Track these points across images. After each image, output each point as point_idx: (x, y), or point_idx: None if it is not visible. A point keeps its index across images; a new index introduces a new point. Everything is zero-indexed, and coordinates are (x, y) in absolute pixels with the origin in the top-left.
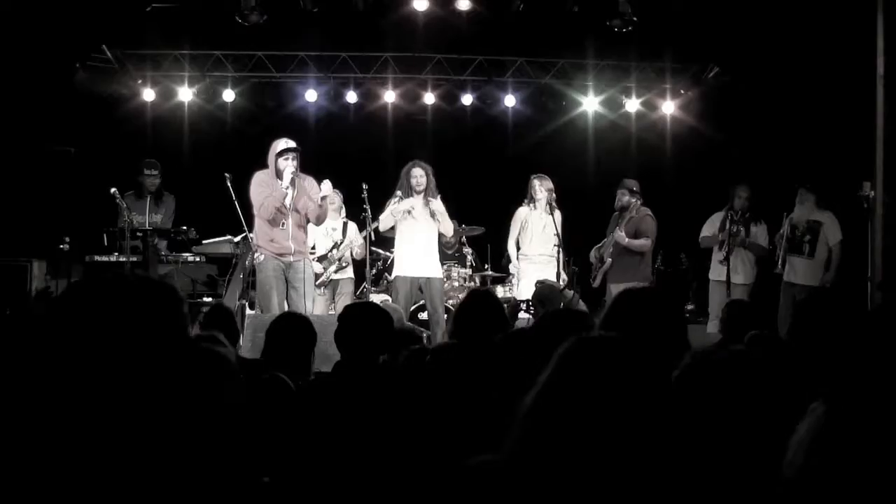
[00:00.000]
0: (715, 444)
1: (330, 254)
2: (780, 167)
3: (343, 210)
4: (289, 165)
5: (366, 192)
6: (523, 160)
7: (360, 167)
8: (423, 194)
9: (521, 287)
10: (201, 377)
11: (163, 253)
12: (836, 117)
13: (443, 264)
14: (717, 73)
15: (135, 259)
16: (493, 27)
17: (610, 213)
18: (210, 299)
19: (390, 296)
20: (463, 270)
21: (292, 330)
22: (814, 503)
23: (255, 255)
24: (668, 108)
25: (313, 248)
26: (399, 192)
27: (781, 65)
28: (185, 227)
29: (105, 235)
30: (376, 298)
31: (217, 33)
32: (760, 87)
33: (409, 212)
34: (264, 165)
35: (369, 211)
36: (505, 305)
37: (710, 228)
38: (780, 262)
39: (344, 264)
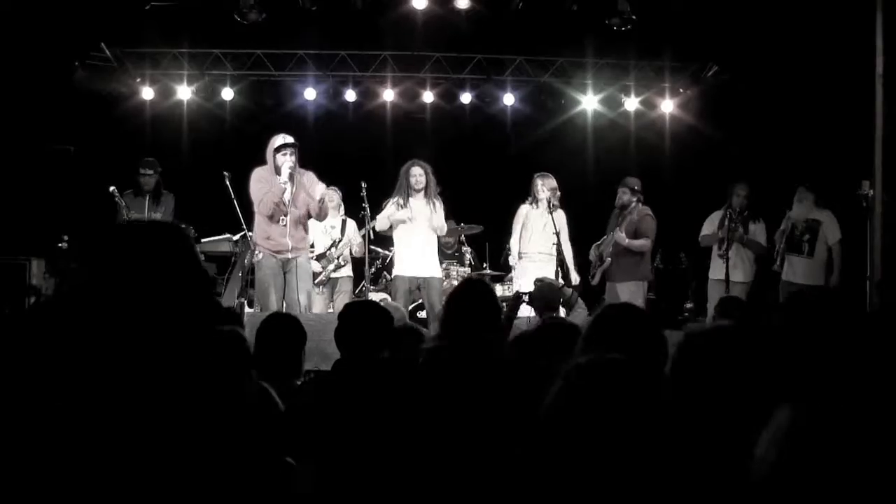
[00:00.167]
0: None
1: (328, 252)
2: (780, 166)
3: (342, 207)
4: (287, 161)
5: (365, 191)
6: (522, 159)
7: (359, 166)
8: (422, 193)
9: (520, 285)
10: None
11: None
12: (835, 116)
13: (441, 263)
14: (716, 72)
15: None
16: (492, 25)
17: (609, 211)
18: None
19: (389, 294)
20: (462, 269)
21: (282, 330)
22: None
23: (255, 253)
24: (667, 106)
25: (312, 246)
26: (398, 197)
27: (781, 63)
28: (184, 226)
29: None
30: (375, 297)
31: (216, 32)
32: (760, 86)
33: (409, 220)
34: (263, 163)
35: (368, 209)
36: (503, 305)
37: (709, 227)
38: (778, 261)
39: (342, 263)
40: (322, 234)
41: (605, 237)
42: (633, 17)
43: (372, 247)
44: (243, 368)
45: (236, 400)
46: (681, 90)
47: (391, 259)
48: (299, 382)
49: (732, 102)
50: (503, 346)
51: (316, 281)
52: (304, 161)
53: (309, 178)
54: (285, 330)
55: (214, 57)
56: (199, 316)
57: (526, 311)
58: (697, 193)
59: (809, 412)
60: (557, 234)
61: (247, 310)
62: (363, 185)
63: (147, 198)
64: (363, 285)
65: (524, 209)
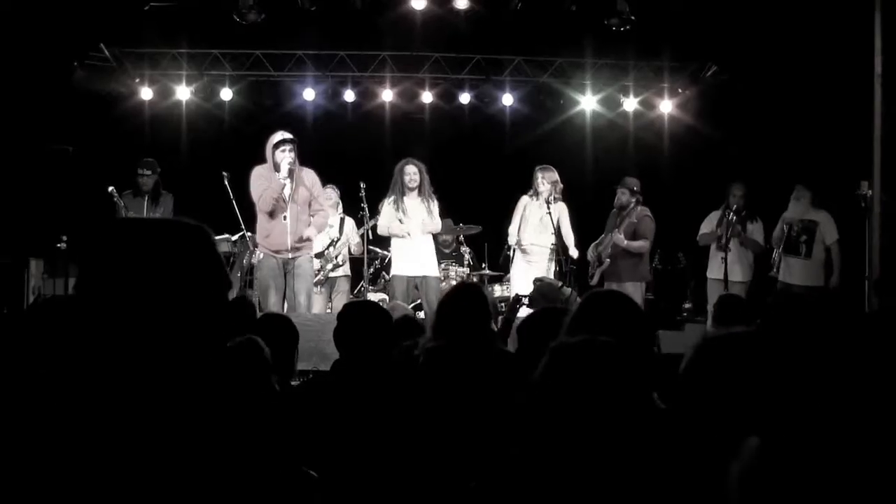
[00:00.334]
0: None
1: (326, 251)
2: (779, 166)
3: (340, 206)
4: (286, 157)
5: (364, 191)
6: (521, 159)
7: (358, 166)
8: (416, 192)
9: (515, 285)
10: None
11: None
12: (834, 116)
13: (440, 263)
14: (714, 72)
15: None
16: (491, 26)
17: (608, 211)
18: None
19: (388, 294)
20: (461, 269)
21: (274, 330)
22: None
23: (257, 252)
24: (666, 106)
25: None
26: (393, 196)
27: (779, 63)
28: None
29: None
30: (374, 297)
31: (215, 32)
32: (758, 86)
33: (408, 235)
34: (262, 162)
35: (367, 210)
36: (502, 305)
37: (708, 226)
38: (775, 267)
39: (340, 262)
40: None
41: (604, 237)
42: (632, 17)
43: (371, 247)
44: (263, 377)
45: (255, 410)
46: (679, 90)
47: (389, 259)
48: (294, 383)
49: (731, 102)
50: (496, 347)
51: (314, 280)
52: (303, 161)
53: (308, 173)
54: (277, 330)
55: (213, 57)
56: (220, 325)
57: (525, 313)
58: (696, 193)
59: (775, 450)
60: (557, 230)
61: None
62: (362, 185)
63: (146, 198)
64: (362, 285)
65: (524, 200)
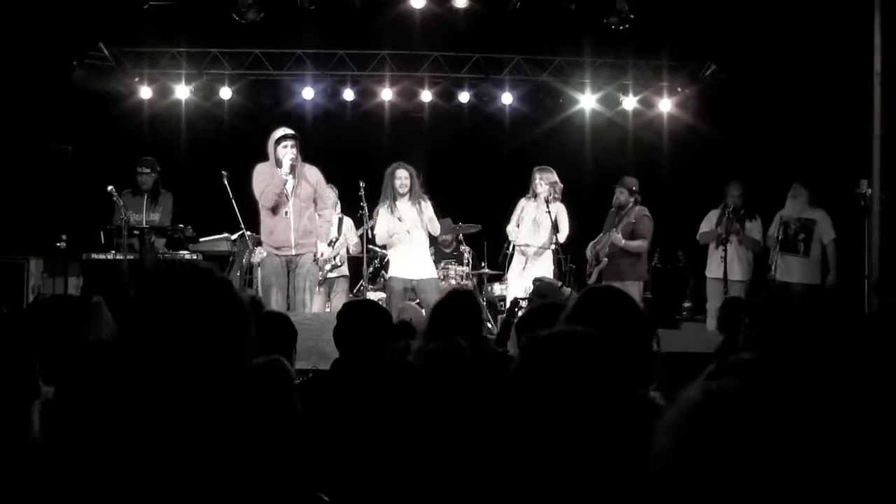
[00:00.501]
0: None
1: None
2: (778, 165)
3: (338, 205)
4: (288, 152)
5: (363, 190)
6: (520, 158)
7: (357, 165)
8: (407, 196)
9: (511, 286)
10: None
11: (160, 251)
12: (833, 115)
13: (440, 263)
14: (714, 71)
15: (131, 257)
16: (490, 25)
17: (607, 210)
18: None
19: (385, 294)
20: (460, 268)
21: (271, 329)
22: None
23: (258, 251)
24: (666, 105)
25: None
26: (387, 202)
27: (779, 62)
28: (182, 225)
29: (102, 233)
30: (374, 297)
31: (214, 31)
32: (758, 85)
33: (408, 232)
34: (262, 161)
35: (367, 209)
36: (502, 305)
37: (707, 225)
38: (773, 267)
39: (339, 262)
40: None
41: (602, 236)
42: (632, 16)
43: (370, 246)
44: (286, 398)
45: (276, 435)
46: (679, 89)
47: (388, 259)
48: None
49: (731, 101)
50: (491, 349)
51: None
52: (305, 159)
53: (310, 169)
54: (275, 329)
55: (213, 56)
56: (239, 364)
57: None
58: (695, 192)
59: (721, 390)
60: (556, 230)
61: None
62: (361, 184)
63: (145, 197)
64: (361, 284)
65: (522, 202)
